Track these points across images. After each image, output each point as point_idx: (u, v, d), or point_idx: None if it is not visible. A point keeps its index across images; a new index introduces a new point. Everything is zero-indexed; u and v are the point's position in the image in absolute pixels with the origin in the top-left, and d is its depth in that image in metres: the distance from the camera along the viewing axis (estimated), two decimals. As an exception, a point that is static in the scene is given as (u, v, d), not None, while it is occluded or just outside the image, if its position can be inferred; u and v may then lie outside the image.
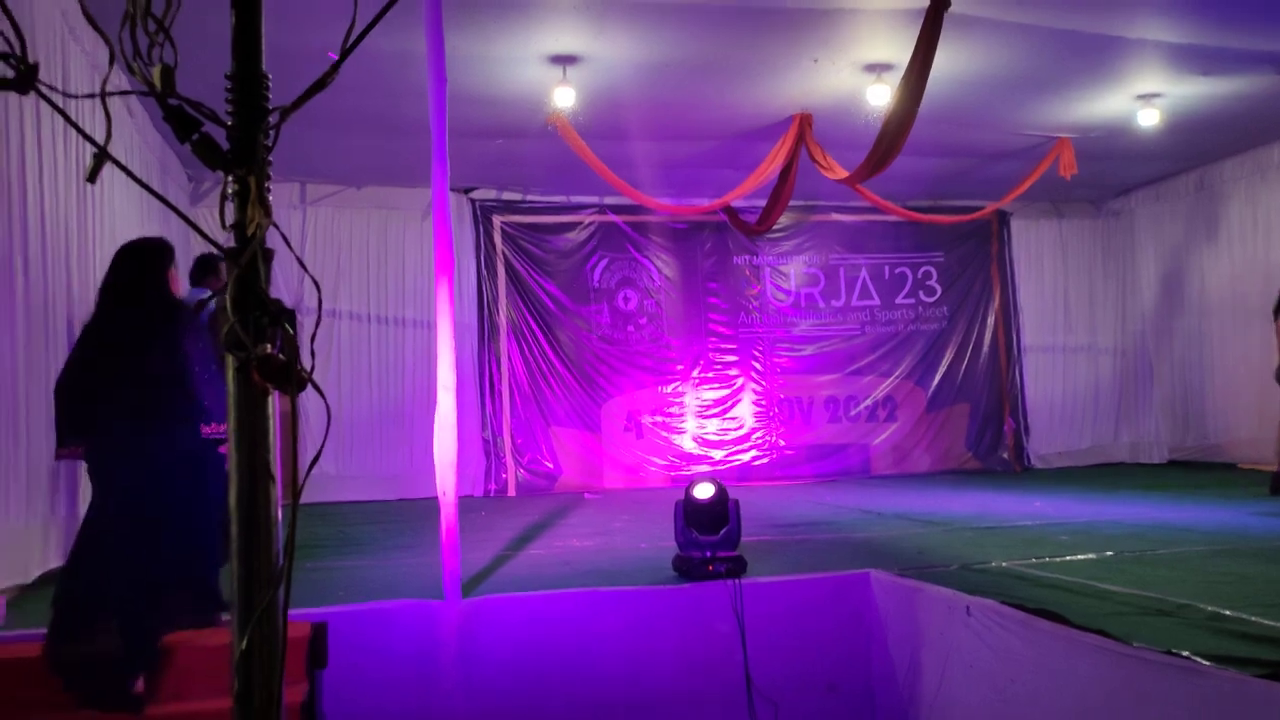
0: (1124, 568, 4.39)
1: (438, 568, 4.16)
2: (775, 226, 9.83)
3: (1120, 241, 11.22)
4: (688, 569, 4.43)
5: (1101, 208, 11.32)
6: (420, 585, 4.40)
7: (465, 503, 8.49)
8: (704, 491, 4.58)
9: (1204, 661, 2.67)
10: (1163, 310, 10.84)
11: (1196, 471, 9.60)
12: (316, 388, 1.11)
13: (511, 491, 9.50)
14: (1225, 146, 9.43)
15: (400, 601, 4.12)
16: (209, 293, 5.06)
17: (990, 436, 10.83)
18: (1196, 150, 9.44)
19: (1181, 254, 10.57)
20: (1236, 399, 9.90)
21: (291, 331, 1.13)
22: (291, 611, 4.13)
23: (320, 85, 1.21)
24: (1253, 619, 3.18)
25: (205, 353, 3.68)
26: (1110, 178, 10.38)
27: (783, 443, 10.38)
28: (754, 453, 10.30)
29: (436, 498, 4.24)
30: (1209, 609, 3.38)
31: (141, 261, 3.61)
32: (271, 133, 1.23)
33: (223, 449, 3.55)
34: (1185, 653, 2.74)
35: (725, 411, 10.32)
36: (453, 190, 9.67)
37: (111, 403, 3.38)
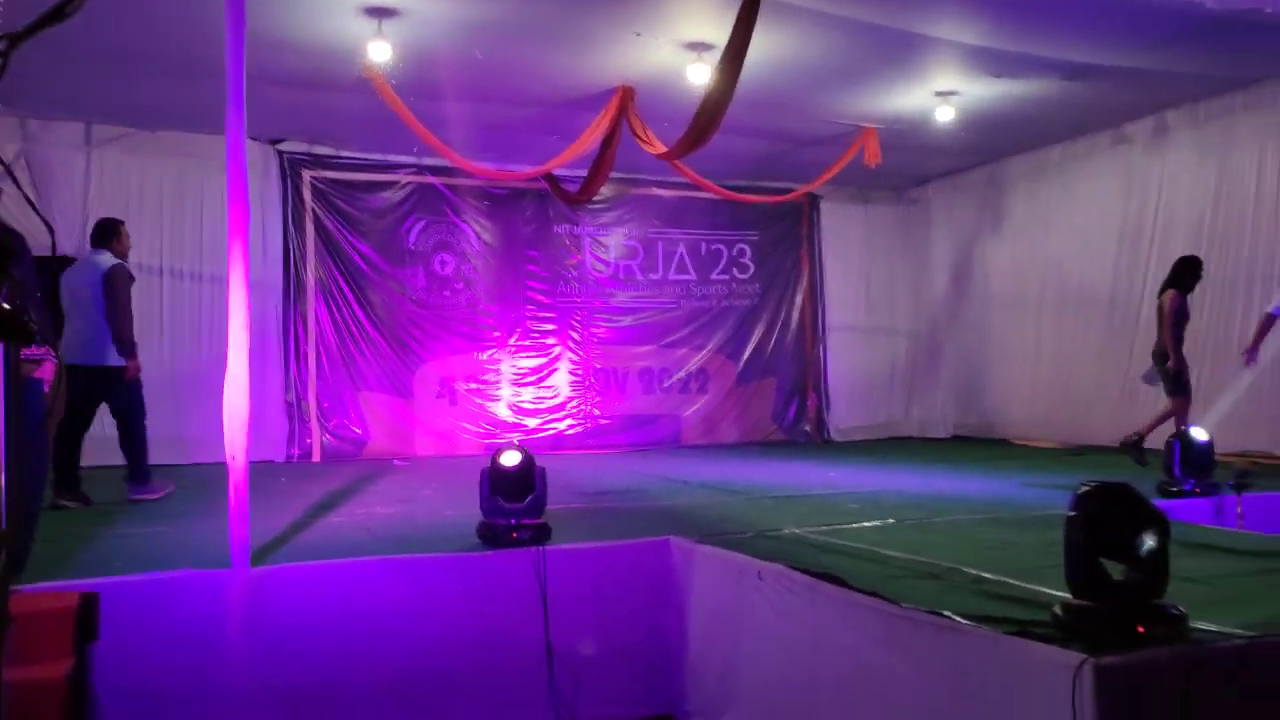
0: (903, 534, 4.59)
1: (226, 536, 3.96)
2: (596, 198, 9.88)
3: (918, 229, 11.80)
4: (492, 536, 4.38)
5: (903, 195, 11.88)
6: (206, 554, 4.17)
7: (264, 468, 8.25)
8: (510, 459, 4.53)
9: (963, 621, 2.87)
10: (952, 297, 11.48)
11: (975, 446, 10.15)
12: (46, 341, 1.00)
13: (316, 457, 9.19)
14: (1012, 144, 10.07)
15: (182, 571, 3.89)
16: (108, 254, 6.02)
17: (795, 410, 11.25)
18: (988, 146, 10.05)
19: (971, 244, 11.23)
20: (1011, 381, 10.65)
21: (14, 276, 1.02)
22: (60, 582, 3.81)
23: (58, 15, 1.09)
24: (1011, 581, 3.40)
25: (29, 277, 3.79)
26: (911, 167, 10.90)
27: (598, 412, 10.47)
28: (569, 421, 10.34)
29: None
30: (974, 573, 3.57)
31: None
32: (-2, 60, 1.10)
33: (39, 373, 3.71)
34: (947, 613, 2.94)
35: (541, 380, 10.31)
36: (257, 140, 9.18)
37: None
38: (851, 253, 11.67)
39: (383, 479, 7.65)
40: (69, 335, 5.96)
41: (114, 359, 5.99)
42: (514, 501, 4.47)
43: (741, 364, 11.08)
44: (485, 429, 9.96)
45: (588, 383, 10.47)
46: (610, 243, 10.72)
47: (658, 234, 10.88)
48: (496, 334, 10.16)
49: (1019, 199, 10.60)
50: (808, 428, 11.24)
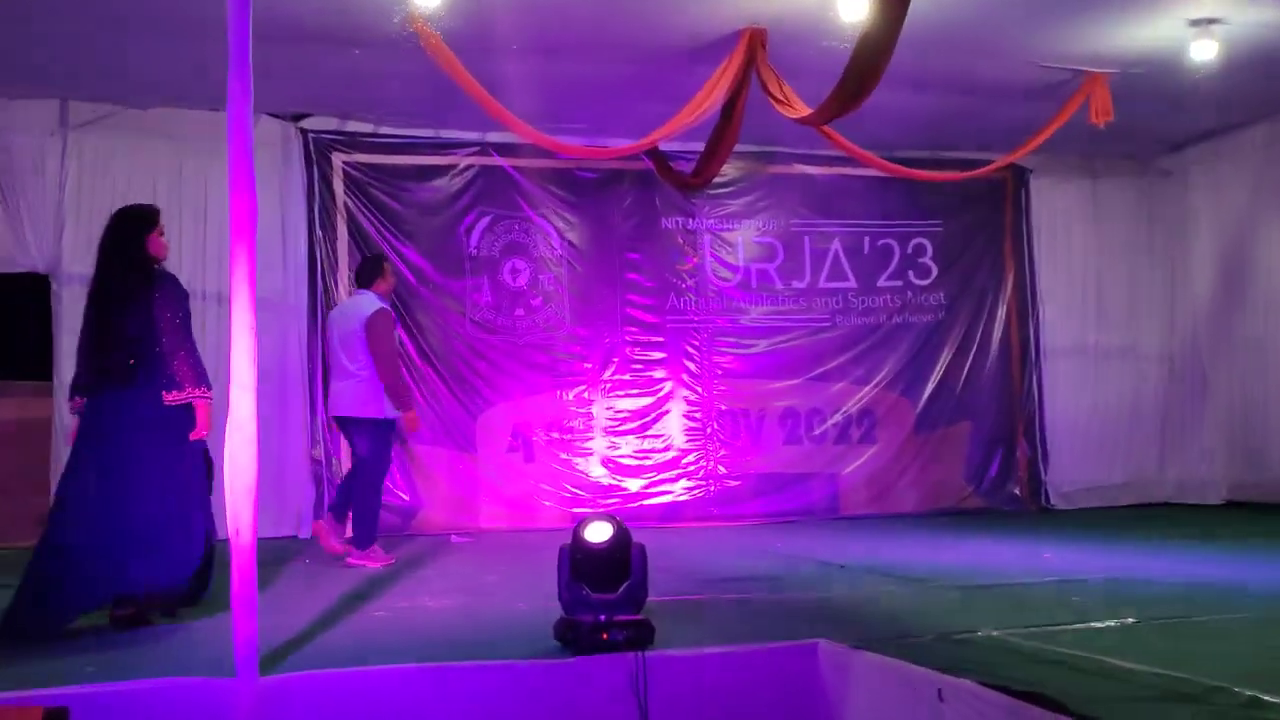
0: (1149, 639, 4.53)
1: (229, 635, 4.10)
2: (718, 179, 9.89)
3: (1170, 211, 11.57)
4: (574, 637, 4.42)
5: (1147, 166, 11.65)
6: (204, 658, 4.32)
7: (281, 547, 8.53)
8: (598, 533, 4.57)
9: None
10: (1222, 304, 11.19)
11: (1262, 517, 9.89)
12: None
13: (349, 531, 9.38)
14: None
15: (173, 680, 4.04)
16: (372, 295, 7.56)
17: (998, 466, 11.10)
18: (1266, 95, 9.77)
19: (1246, 231, 10.92)
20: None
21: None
22: (19, 693, 4.03)
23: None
24: (1301, 707, 3.31)
25: (185, 321, 5.27)
26: (1158, 127, 10.65)
27: (723, 470, 10.45)
28: (684, 483, 10.36)
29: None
30: (1248, 693, 3.48)
31: (124, 226, 5.38)
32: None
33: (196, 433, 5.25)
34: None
35: (647, 428, 10.37)
36: (275, 117, 9.57)
37: (97, 360, 5.22)
38: (1075, 247, 11.47)
39: (436, 560, 7.76)
40: (333, 385, 7.73)
41: (378, 411, 7.40)
42: (604, 591, 4.50)
43: (922, 403, 10.97)
44: (572, 494, 10.06)
45: (709, 430, 10.47)
46: (738, 240, 10.76)
47: (803, 227, 10.88)
48: (587, 366, 10.27)
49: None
50: (1016, 490, 11.08)
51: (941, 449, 10.99)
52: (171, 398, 5.19)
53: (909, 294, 11.08)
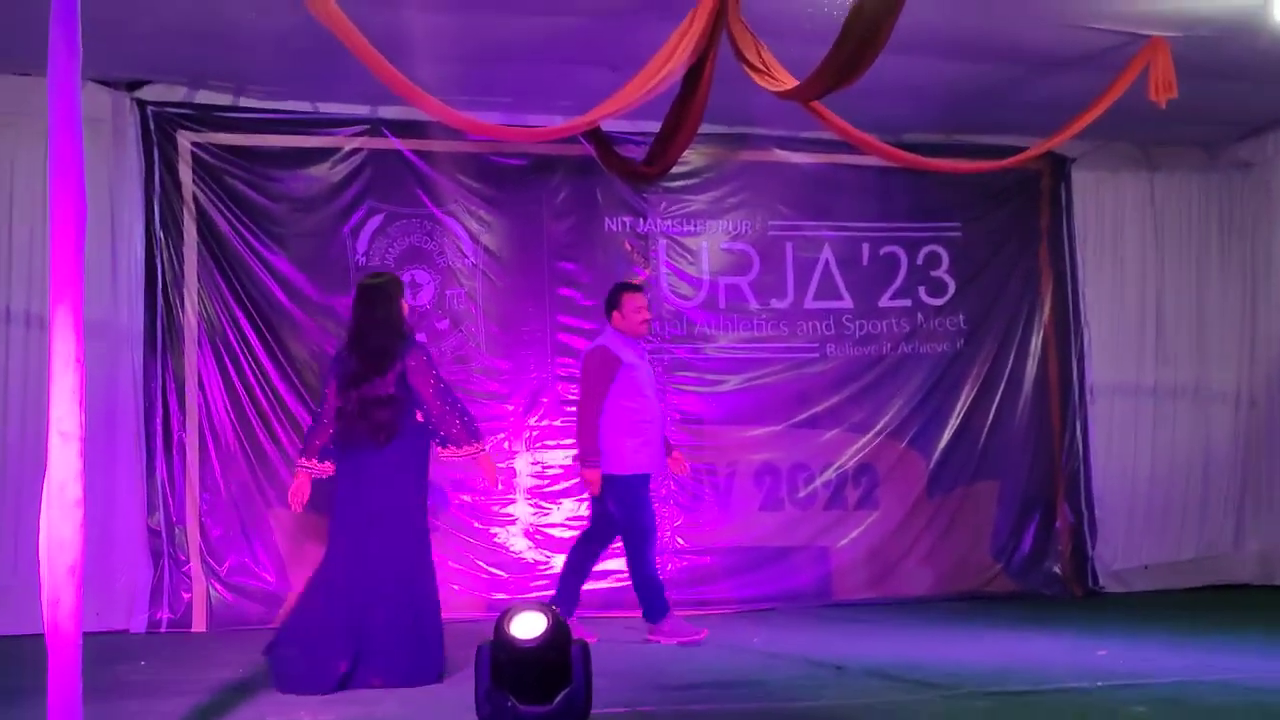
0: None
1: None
2: (677, 169, 9.87)
3: (1248, 213, 11.70)
4: (496, 764, 4.43)
5: (1219, 155, 11.78)
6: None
7: (112, 644, 8.38)
8: (528, 627, 4.58)
9: None
10: (1318, 333, 11.42)
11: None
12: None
13: (200, 624, 9.28)
14: None
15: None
16: (607, 328, 8.65)
17: (1033, 538, 11.16)
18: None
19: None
20: None
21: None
22: None
23: None
24: None
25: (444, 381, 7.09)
26: (1232, 107, 10.73)
27: (682, 543, 10.41)
28: (633, 561, 10.32)
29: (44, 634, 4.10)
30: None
31: (388, 296, 7.03)
32: None
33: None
34: None
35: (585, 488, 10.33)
36: (103, 84, 9.45)
37: (371, 414, 6.81)
38: (1129, 257, 11.59)
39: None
40: None
41: (615, 465, 8.31)
42: (535, 702, 4.51)
43: (936, 456, 11.05)
44: (489, 574, 9.96)
45: (664, 492, 10.32)
46: (702, 247, 10.76)
47: (786, 230, 10.92)
48: (508, 409, 10.22)
49: None
50: (1056, 569, 11.15)
51: (961, 516, 11.00)
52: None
53: (919, 316, 11.14)
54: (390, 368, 6.82)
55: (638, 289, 8.92)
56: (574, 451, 10.14)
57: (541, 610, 4.67)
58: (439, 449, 6.91)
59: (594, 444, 8.32)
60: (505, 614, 4.66)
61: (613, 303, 8.62)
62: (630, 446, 8.31)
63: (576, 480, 10.24)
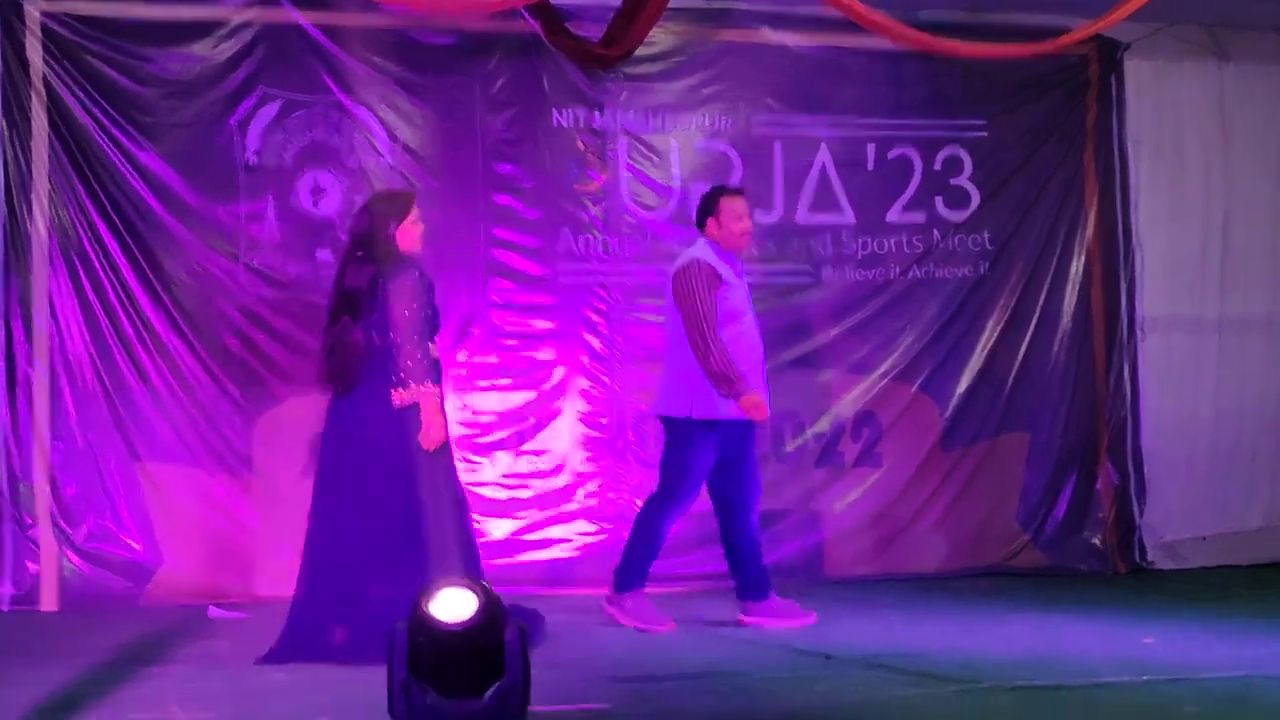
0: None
1: None
2: (641, 51, 10.02)
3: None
4: (415, 773, 4.46)
5: (1311, 41, 11.62)
6: None
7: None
8: (453, 607, 4.56)
9: None
10: None
11: None
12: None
13: (50, 602, 9.27)
14: None
15: None
16: (700, 240, 8.71)
17: (1068, 503, 11.22)
18: None
19: None
20: None
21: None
22: None
23: None
24: None
25: (419, 316, 7.37)
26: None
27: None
28: (582, 527, 10.32)
29: None
30: None
31: (374, 215, 7.57)
32: None
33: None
34: None
35: (524, 439, 10.34)
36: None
37: (334, 356, 7.49)
38: (1191, 166, 11.52)
39: (188, 645, 7.76)
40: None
41: (677, 407, 8.49)
42: (461, 695, 4.52)
43: (954, 404, 11.07)
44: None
45: (621, 444, 10.49)
46: (671, 147, 10.70)
47: (774, 127, 10.85)
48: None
49: None
50: (1097, 540, 11.18)
51: (982, 475, 10.99)
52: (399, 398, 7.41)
53: (936, 234, 11.10)
54: (367, 308, 7.35)
55: (738, 193, 8.85)
56: (502, 396, 10.49)
57: (471, 587, 4.67)
58: (391, 392, 7.31)
59: (730, 366, 8.20)
60: (424, 592, 4.66)
61: (708, 209, 8.63)
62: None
63: (514, 430, 10.31)
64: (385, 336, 7.33)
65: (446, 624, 4.59)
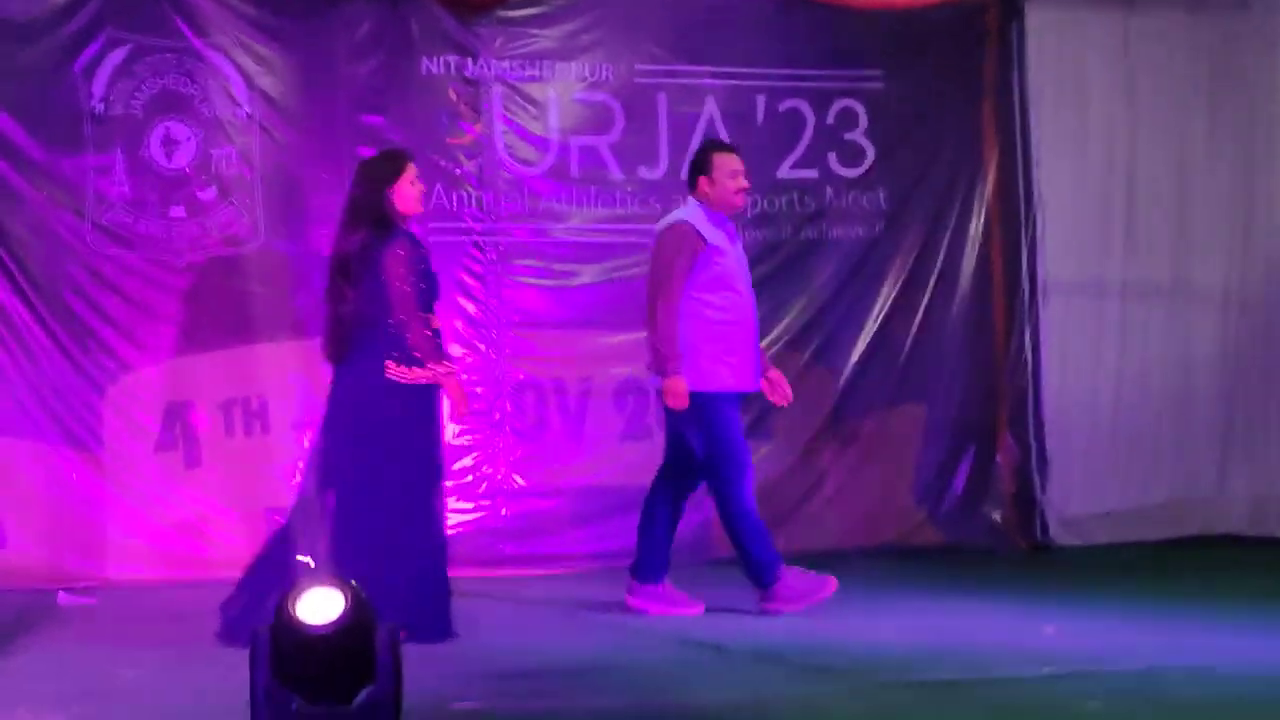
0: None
1: None
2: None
3: (1247, 65, 11.79)
4: (275, 790, 4.36)
5: (1214, -7, 11.84)
6: None
7: None
8: (320, 607, 4.45)
9: None
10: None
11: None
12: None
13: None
14: None
15: None
16: (690, 200, 8.49)
17: (967, 477, 11.34)
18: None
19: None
20: None
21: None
22: None
23: None
24: None
25: (417, 289, 7.48)
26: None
27: (522, 482, 10.50)
28: (455, 504, 10.22)
29: None
30: None
31: (366, 177, 7.77)
32: None
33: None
34: None
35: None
36: None
37: (328, 326, 7.65)
38: (1095, 121, 11.66)
39: (32, 637, 7.64)
40: None
41: (699, 381, 8.18)
42: (327, 702, 4.44)
43: (847, 373, 11.13)
44: (271, 523, 9.80)
45: (499, 416, 10.48)
46: (550, 98, 10.73)
47: (658, 77, 10.90)
48: (293, 306, 10.13)
49: None
50: (997, 516, 11.32)
51: (878, 448, 11.11)
52: (402, 374, 7.44)
53: (829, 192, 11.15)
54: (357, 275, 7.47)
55: (730, 149, 8.68)
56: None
57: (339, 585, 4.55)
58: (391, 365, 7.38)
59: (674, 345, 8.13)
60: (290, 591, 4.53)
61: (700, 166, 8.49)
62: (710, 355, 8.19)
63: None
64: (375, 306, 7.43)
65: (313, 626, 4.44)
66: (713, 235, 8.24)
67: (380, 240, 7.48)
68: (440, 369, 7.49)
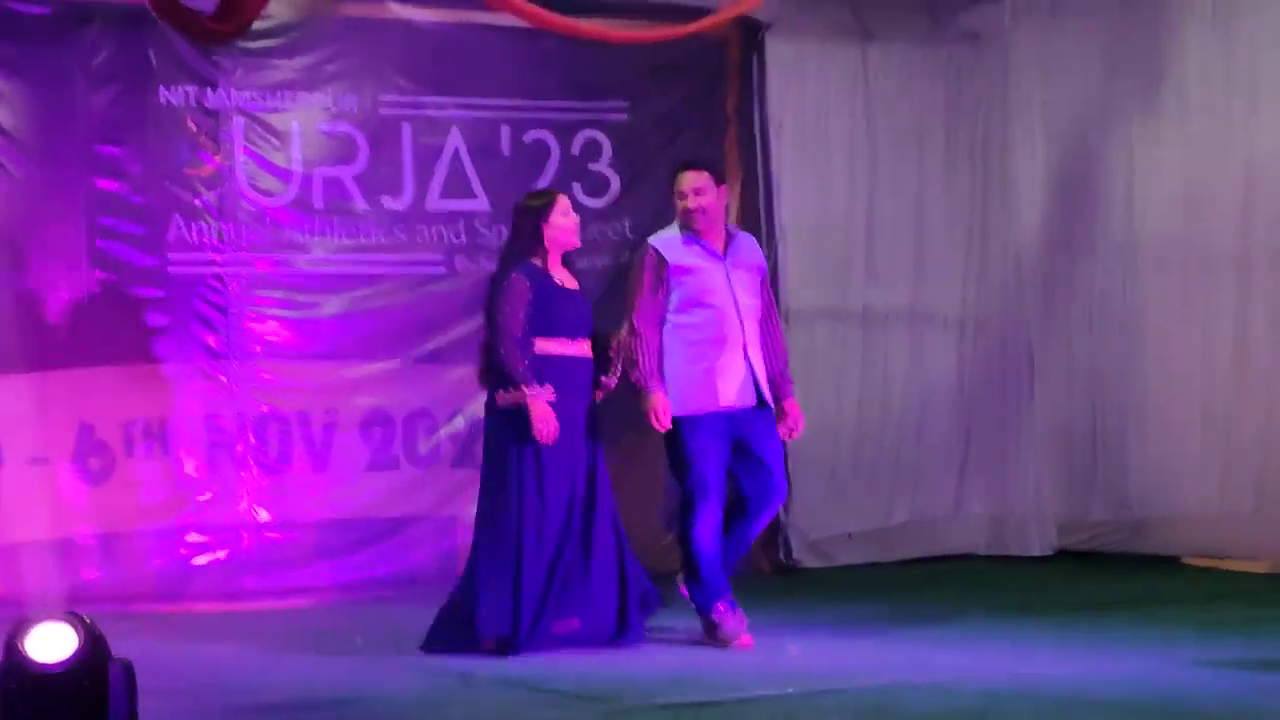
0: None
1: None
2: (259, 24, 9.96)
3: (982, 97, 12.02)
4: None
5: (946, 25, 12.06)
6: None
7: None
8: (52, 645, 4.41)
9: None
10: (1058, 247, 11.83)
11: (1108, 573, 10.58)
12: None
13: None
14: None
15: None
16: (673, 225, 8.53)
17: (712, 502, 11.36)
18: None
19: (1097, 130, 11.56)
20: (1187, 431, 10.96)
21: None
22: None
23: None
24: None
25: (511, 317, 7.86)
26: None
27: (265, 516, 10.38)
28: (196, 537, 10.22)
29: None
30: None
31: (518, 211, 8.33)
32: None
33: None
34: None
35: (132, 442, 10.21)
36: None
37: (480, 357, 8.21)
38: (835, 149, 11.76)
39: None
40: None
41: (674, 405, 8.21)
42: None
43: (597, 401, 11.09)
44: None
45: (241, 447, 10.40)
46: (293, 129, 10.66)
47: (403, 109, 10.90)
48: (27, 339, 9.95)
49: (1203, 41, 10.83)
50: (742, 538, 11.37)
51: (628, 473, 10.93)
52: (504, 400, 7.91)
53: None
54: (488, 305, 8.04)
55: (690, 165, 8.50)
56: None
57: (69, 621, 4.51)
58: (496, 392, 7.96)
59: (649, 362, 8.15)
60: (19, 626, 4.48)
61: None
62: (685, 376, 8.15)
63: (122, 434, 10.07)
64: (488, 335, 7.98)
65: (43, 664, 4.40)
66: (678, 255, 8.21)
67: (502, 274, 7.97)
68: (524, 391, 7.71)
